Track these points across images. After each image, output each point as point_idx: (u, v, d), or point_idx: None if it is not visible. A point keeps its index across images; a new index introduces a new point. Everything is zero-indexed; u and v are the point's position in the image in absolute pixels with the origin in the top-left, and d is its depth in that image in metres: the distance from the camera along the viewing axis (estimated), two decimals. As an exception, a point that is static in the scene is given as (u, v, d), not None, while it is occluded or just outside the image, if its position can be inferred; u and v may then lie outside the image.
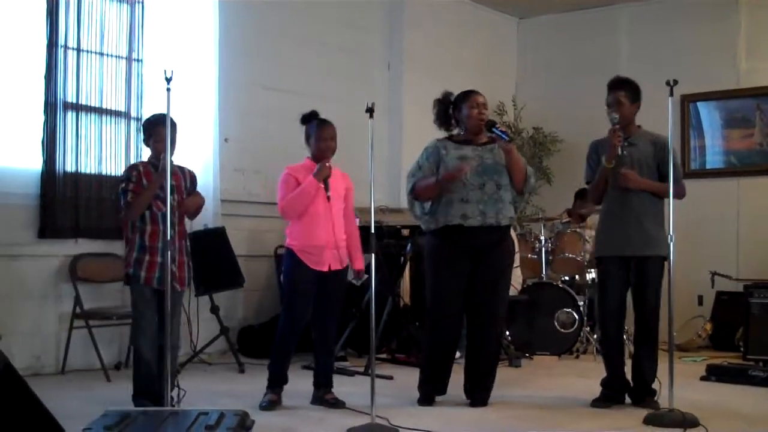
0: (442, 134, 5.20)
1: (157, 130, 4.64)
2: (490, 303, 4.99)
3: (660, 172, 4.93)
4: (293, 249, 4.92)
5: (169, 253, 4.35)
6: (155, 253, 4.59)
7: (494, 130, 4.88)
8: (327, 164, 4.87)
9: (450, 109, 5.13)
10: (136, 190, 4.58)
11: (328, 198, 4.89)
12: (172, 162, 4.54)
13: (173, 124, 4.62)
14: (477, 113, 4.98)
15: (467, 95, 5.07)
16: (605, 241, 5.05)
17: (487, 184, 4.93)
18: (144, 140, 4.84)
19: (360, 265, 5.08)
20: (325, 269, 4.90)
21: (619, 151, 4.83)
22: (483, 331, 5.02)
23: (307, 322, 5.00)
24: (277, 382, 4.96)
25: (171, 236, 4.41)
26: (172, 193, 4.51)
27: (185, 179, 4.83)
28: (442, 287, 5.02)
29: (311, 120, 5.00)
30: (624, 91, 4.94)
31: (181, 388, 4.55)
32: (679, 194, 4.90)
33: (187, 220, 4.97)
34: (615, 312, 5.02)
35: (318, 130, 4.94)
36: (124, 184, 4.61)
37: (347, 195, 5.06)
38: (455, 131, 5.16)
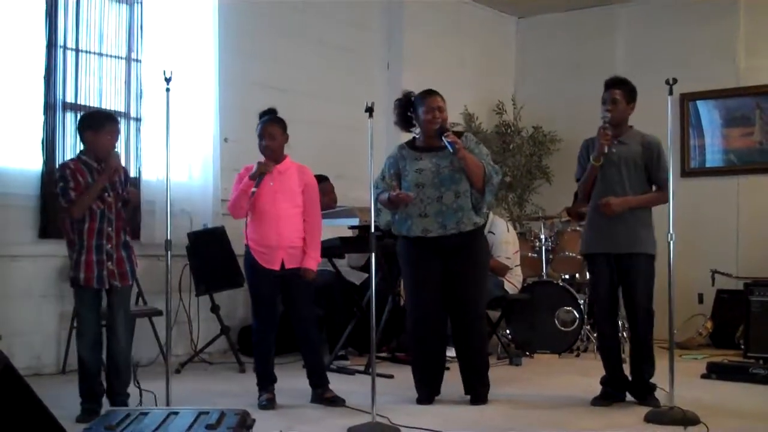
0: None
1: (104, 127, 4.60)
2: (467, 299, 4.99)
3: (648, 173, 4.94)
4: (249, 247, 4.95)
5: (105, 250, 4.42)
6: (91, 251, 4.53)
7: (443, 139, 4.82)
8: (261, 161, 4.84)
9: (410, 110, 5.08)
10: (75, 188, 4.50)
11: (252, 193, 4.80)
12: (116, 155, 4.58)
13: (113, 120, 4.64)
14: (430, 118, 4.91)
15: (423, 97, 5.00)
16: (591, 238, 5.06)
17: (445, 195, 4.90)
18: (80, 135, 4.69)
19: (308, 263, 4.94)
20: (278, 268, 4.89)
21: (606, 150, 4.84)
22: (464, 327, 5.02)
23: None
24: (265, 382, 4.97)
25: (108, 233, 4.44)
26: (107, 190, 4.52)
27: (121, 174, 4.73)
28: (418, 288, 5.04)
29: (261, 118, 5.00)
30: (621, 90, 4.95)
31: (143, 389, 4.63)
32: (662, 202, 4.93)
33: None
34: (607, 310, 5.03)
35: (259, 129, 4.95)
36: (62, 184, 4.52)
37: (306, 191, 4.99)
38: (416, 132, 5.12)
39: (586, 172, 5.00)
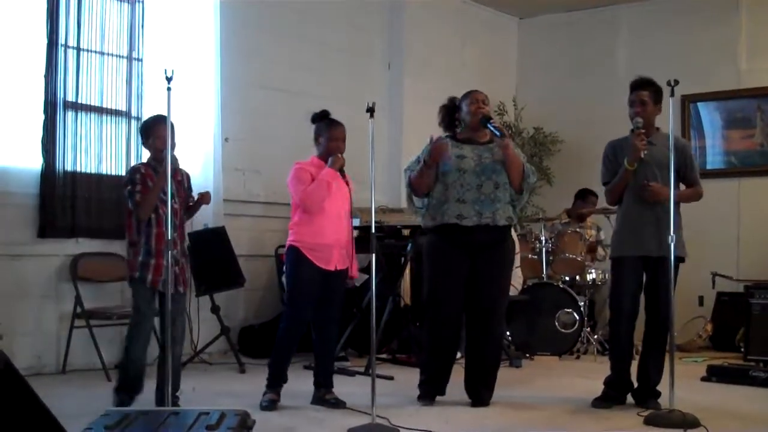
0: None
1: (156, 129, 4.64)
2: (490, 302, 4.98)
3: (679, 174, 4.89)
4: (299, 246, 4.89)
5: (170, 255, 4.35)
6: (161, 255, 4.58)
7: (488, 125, 4.89)
8: (340, 155, 4.90)
9: (454, 114, 5.13)
10: (143, 191, 4.57)
11: (347, 182, 4.93)
12: (175, 159, 4.55)
13: (171, 125, 4.63)
14: (475, 108, 4.98)
15: (468, 94, 5.10)
16: (623, 241, 5.01)
17: (485, 184, 4.92)
18: (143, 142, 4.82)
19: (355, 272, 5.09)
20: (332, 268, 4.90)
21: (642, 154, 4.82)
22: (482, 330, 5.00)
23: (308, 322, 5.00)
24: (276, 382, 4.95)
25: (173, 238, 4.41)
26: (174, 195, 4.52)
27: (184, 180, 4.86)
28: (440, 285, 5.02)
29: (322, 119, 5.00)
30: (648, 92, 4.92)
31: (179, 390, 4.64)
32: (698, 197, 4.98)
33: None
34: (628, 313, 4.98)
35: (329, 129, 4.95)
36: (130, 187, 4.59)
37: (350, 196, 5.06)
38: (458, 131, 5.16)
39: (619, 176, 4.95)
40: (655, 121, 5.00)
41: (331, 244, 4.88)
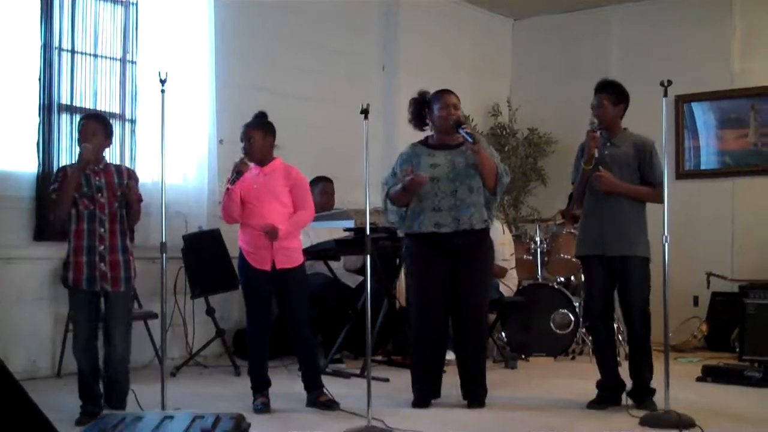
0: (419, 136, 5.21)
1: (80, 126, 4.63)
2: (472, 302, 5.00)
3: (641, 174, 4.95)
4: (242, 249, 4.99)
5: (98, 252, 4.38)
6: (80, 252, 4.51)
7: (459, 131, 4.88)
8: (86, 144, 4.62)
9: (424, 109, 5.12)
10: (60, 188, 4.52)
11: (227, 189, 4.86)
12: (88, 147, 4.50)
13: (102, 121, 4.63)
14: (445, 114, 4.96)
15: (438, 95, 5.05)
16: (584, 240, 5.07)
17: (459, 189, 4.93)
18: (78, 141, 4.71)
19: (279, 225, 4.85)
20: (269, 268, 4.90)
21: (596, 154, 4.85)
22: (467, 331, 5.02)
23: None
24: (260, 386, 4.96)
25: (100, 234, 4.41)
26: (101, 191, 4.50)
27: (121, 177, 4.67)
28: (423, 289, 5.04)
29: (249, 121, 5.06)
30: (607, 94, 4.96)
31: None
32: (656, 199, 4.93)
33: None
34: (601, 312, 5.03)
35: (241, 132, 5.01)
36: (52, 186, 4.57)
37: (294, 190, 5.00)
38: (430, 131, 5.16)
39: (578, 177, 5.02)
40: (619, 122, 5.03)
41: (261, 246, 4.87)
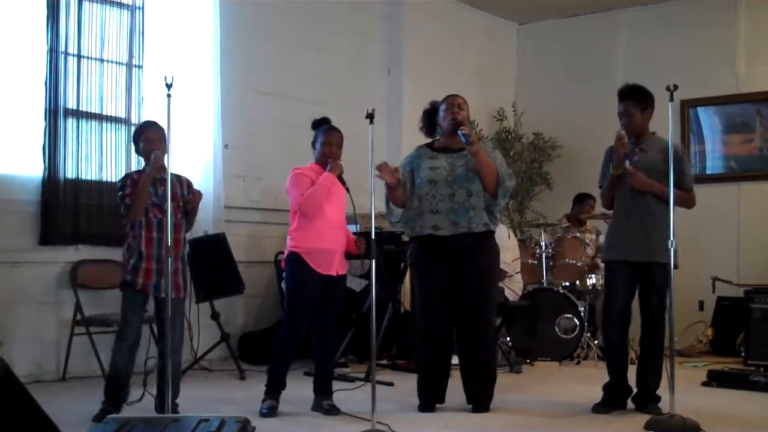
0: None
1: (144, 133, 4.68)
2: (476, 307, 4.98)
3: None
4: (299, 252, 4.88)
5: (170, 260, 4.34)
6: (151, 259, 4.59)
7: (457, 132, 4.87)
8: (339, 162, 4.89)
9: (436, 118, 5.13)
10: (131, 194, 4.58)
11: (347, 190, 4.92)
12: (159, 154, 4.55)
13: (161, 127, 4.64)
14: (449, 113, 4.98)
15: (445, 98, 5.09)
16: (613, 245, 5.04)
17: (457, 192, 4.92)
18: (135, 149, 4.81)
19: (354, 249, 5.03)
20: (333, 273, 4.90)
21: (628, 163, 4.83)
22: (472, 337, 5.01)
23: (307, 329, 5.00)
24: (275, 388, 4.94)
25: (167, 243, 4.41)
26: (172, 200, 4.51)
27: (182, 187, 4.81)
28: (428, 293, 5.05)
29: (321, 125, 5.03)
30: (632, 101, 4.91)
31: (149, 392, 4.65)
32: (689, 203, 4.94)
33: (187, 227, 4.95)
34: (619, 317, 5.00)
35: (325, 134, 4.97)
36: (120, 192, 4.62)
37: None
38: (438, 137, 5.18)
39: (607, 181, 5.00)
40: (647, 126, 5.00)
41: (331, 249, 4.88)
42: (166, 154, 4.51)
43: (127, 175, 4.75)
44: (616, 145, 4.86)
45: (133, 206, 4.58)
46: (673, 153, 4.80)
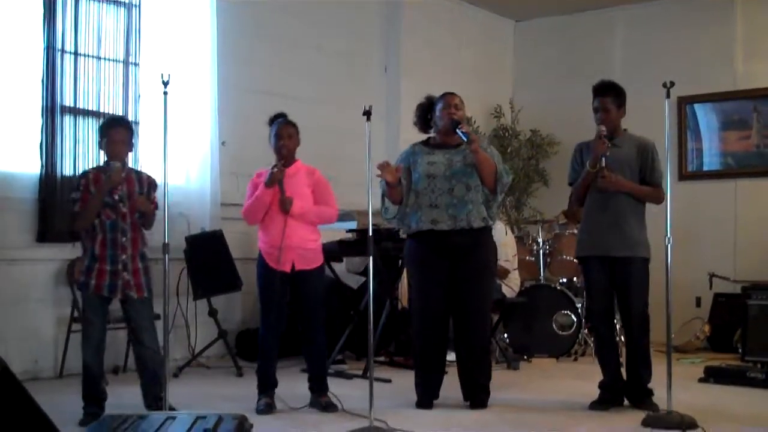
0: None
1: (109, 133, 4.61)
2: (473, 304, 4.99)
3: (642, 175, 4.96)
4: (261, 250, 4.96)
5: (121, 260, 4.37)
6: (104, 261, 4.53)
7: (457, 130, 4.89)
8: (275, 169, 4.84)
9: (429, 113, 5.14)
10: (83, 198, 4.52)
11: (283, 201, 4.84)
12: (125, 165, 4.53)
13: (128, 127, 4.63)
14: (446, 113, 4.98)
15: (442, 96, 5.09)
16: (586, 241, 5.07)
17: (456, 187, 4.94)
18: (99, 144, 4.73)
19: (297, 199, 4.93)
20: (288, 269, 4.89)
21: (603, 162, 4.85)
22: (468, 332, 5.02)
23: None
24: (266, 387, 4.97)
25: (122, 243, 4.41)
26: (122, 200, 4.50)
27: (141, 185, 4.72)
28: (424, 290, 5.05)
29: (276, 119, 5.03)
30: (610, 97, 4.96)
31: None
32: (657, 199, 4.95)
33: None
34: (603, 313, 5.04)
35: (277, 128, 4.98)
36: (73, 195, 4.58)
37: (316, 190, 5.02)
38: (433, 134, 5.18)
39: (581, 178, 5.02)
40: (620, 124, 5.04)
41: (284, 247, 4.85)
42: (129, 155, 4.50)
43: (83, 174, 4.68)
44: (595, 143, 4.87)
45: (81, 214, 4.53)
46: (646, 149, 4.91)
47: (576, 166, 5.10)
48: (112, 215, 4.53)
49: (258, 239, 5.03)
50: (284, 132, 4.95)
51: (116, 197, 4.54)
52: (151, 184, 4.79)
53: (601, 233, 4.95)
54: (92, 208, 4.50)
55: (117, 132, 4.62)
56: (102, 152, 4.72)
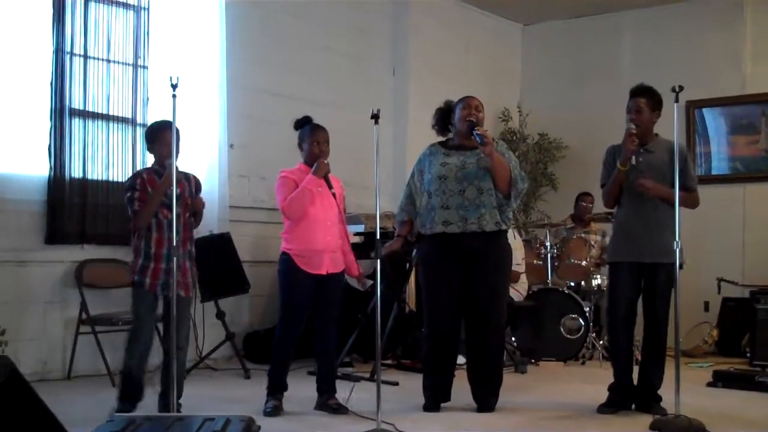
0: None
1: (161, 136, 4.64)
2: (486, 307, 4.98)
3: (680, 181, 4.90)
4: (290, 253, 4.92)
5: (174, 260, 4.35)
6: (159, 260, 4.59)
7: (473, 132, 4.89)
8: (325, 161, 4.88)
9: (448, 117, 5.16)
10: (141, 198, 4.57)
11: (334, 195, 4.90)
12: (177, 168, 4.54)
13: (177, 131, 4.63)
14: (467, 113, 4.99)
15: (462, 99, 5.10)
16: (619, 247, 5.04)
17: (467, 189, 4.93)
18: (147, 147, 4.81)
19: (357, 270, 5.10)
20: (323, 272, 4.90)
21: (634, 161, 4.83)
22: (481, 336, 5.01)
23: (308, 328, 5.00)
24: (276, 389, 4.96)
25: (176, 243, 4.42)
26: (177, 201, 4.52)
27: (190, 186, 4.82)
28: (435, 293, 5.05)
29: (304, 125, 5.03)
30: (645, 99, 4.94)
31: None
32: (692, 204, 4.93)
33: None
34: (625, 318, 5.01)
35: (312, 133, 4.97)
36: (129, 193, 4.60)
37: (341, 200, 5.06)
38: (452, 135, 5.19)
39: (612, 177, 4.99)
40: (653, 128, 5.01)
41: (320, 250, 4.88)
42: (177, 156, 4.52)
43: (137, 174, 4.73)
44: (625, 141, 4.86)
45: (141, 213, 4.57)
46: (683, 156, 4.82)
47: (609, 167, 5.08)
48: (168, 214, 4.55)
49: (284, 242, 4.97)
50: (322, 137, 4.98)
51: (169, 194, 4.56)
52: (198, 185, 4.88)
53: (635, 239, 4.92)
54: (151, 207, 4.56)
55: (169, 135, 4.60)
56: (150, 155, 4.78)
